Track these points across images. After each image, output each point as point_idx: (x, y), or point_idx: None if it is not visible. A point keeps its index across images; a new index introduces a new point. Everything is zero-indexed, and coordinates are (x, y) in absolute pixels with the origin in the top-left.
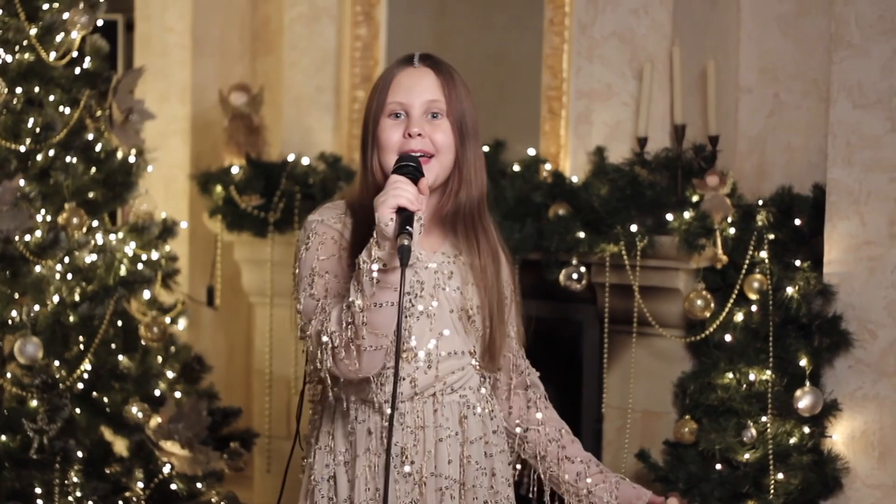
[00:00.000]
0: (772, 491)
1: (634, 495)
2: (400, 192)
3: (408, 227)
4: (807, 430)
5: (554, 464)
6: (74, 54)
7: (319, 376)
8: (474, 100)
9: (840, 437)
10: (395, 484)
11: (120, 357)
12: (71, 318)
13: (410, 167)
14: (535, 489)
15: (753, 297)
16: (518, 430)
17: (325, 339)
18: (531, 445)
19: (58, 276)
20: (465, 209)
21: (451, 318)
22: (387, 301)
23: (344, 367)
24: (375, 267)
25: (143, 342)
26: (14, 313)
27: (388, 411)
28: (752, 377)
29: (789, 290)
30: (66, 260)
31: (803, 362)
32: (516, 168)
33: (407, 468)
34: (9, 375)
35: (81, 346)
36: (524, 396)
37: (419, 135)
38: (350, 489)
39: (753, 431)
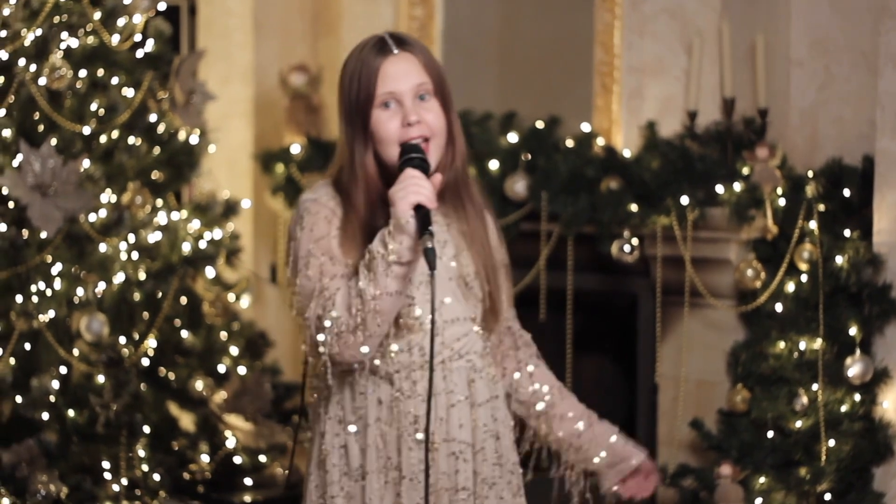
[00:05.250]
0: (823, 458)
1: (626, 454)
2: (419, 189)
3: (429, 228)
4: (858, 397)
5: (545, 421)
6: (137, 38)
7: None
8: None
9: (891, 404)
10: (408, 451)
11: (184, 333)
12: (136, 296)
13: (418, 159)
14: (532, 448)
15: (804, 266)
16: (511, 389)
17: (327, 323)
18: (524, 405)
19: (123, 254)
20: (453, 178)
21: (450, 285)
22: (396, 290)
23: (347, 352)
24: (393, 258)
25: (206, 319)
26: (80, 291)
27: (397, 382)
28: (803, 346)
29: (839, 260)
30: (131, 239)
31: (853, 331)
32: (570, 143)
33: (419, 435)
34: (76, 352)
35: (146, 323)
36: (515, 357)
37: (417, 122)
38: (362, 458)
39: (805, 399)
